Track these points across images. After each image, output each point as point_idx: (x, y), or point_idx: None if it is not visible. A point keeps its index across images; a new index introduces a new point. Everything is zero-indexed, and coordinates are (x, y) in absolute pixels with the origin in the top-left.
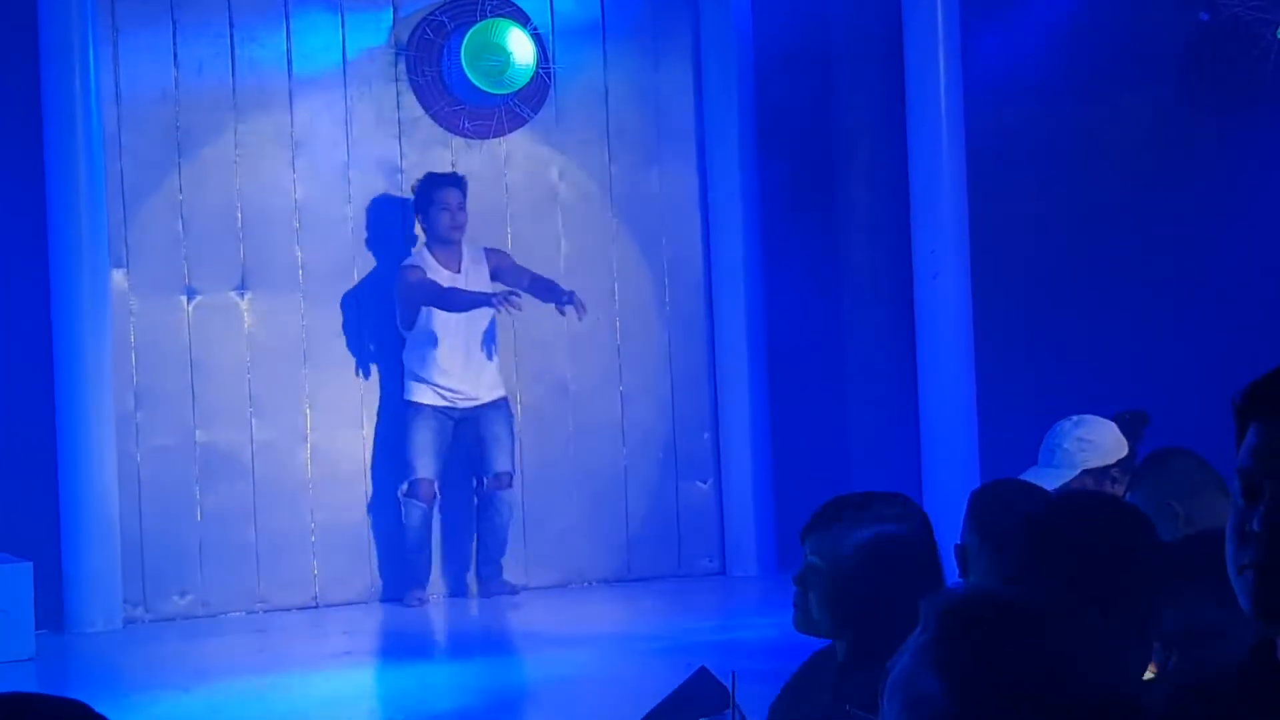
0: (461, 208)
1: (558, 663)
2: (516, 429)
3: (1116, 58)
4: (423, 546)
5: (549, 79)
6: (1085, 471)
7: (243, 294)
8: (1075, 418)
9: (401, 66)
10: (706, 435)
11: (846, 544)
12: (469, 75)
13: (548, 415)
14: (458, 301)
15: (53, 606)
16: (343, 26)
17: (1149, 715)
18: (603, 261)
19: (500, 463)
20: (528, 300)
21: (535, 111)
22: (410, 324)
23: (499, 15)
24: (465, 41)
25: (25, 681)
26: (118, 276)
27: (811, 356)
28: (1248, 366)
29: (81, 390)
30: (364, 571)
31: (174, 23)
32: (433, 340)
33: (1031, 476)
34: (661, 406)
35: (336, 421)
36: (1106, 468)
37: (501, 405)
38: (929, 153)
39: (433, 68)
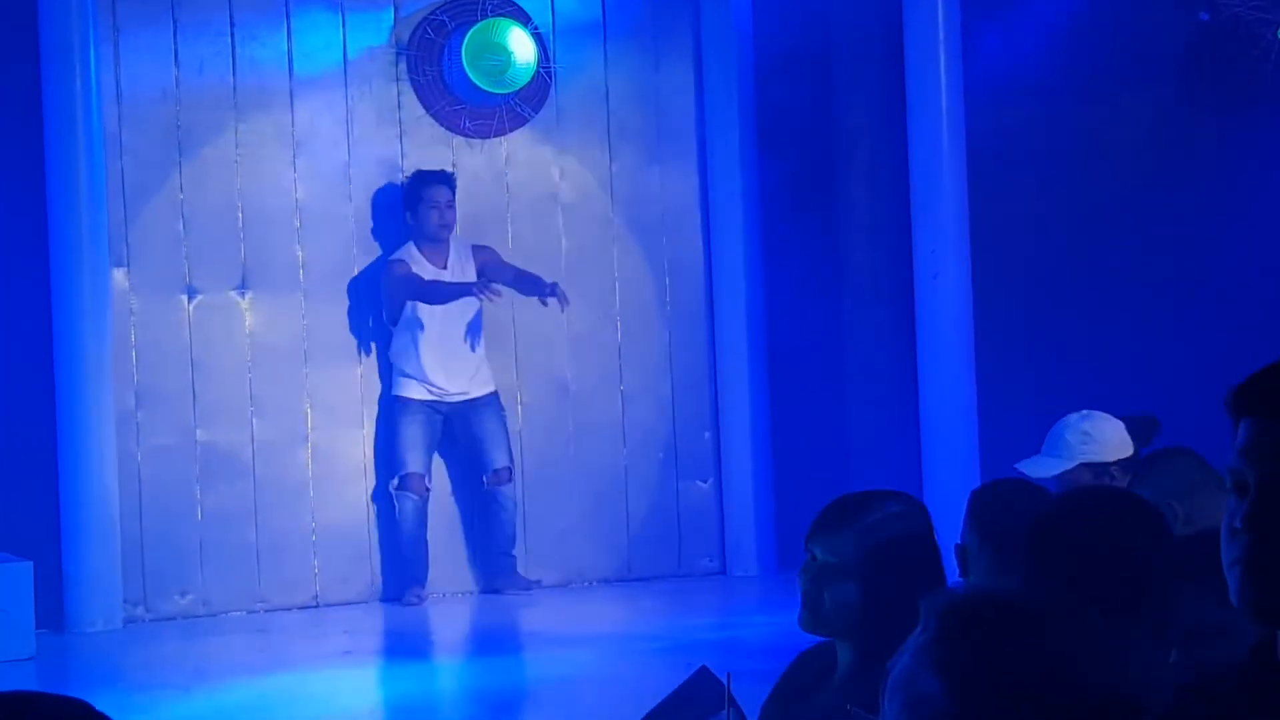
0: (450, 206)
1: (558, 663)
2: (514, 426)
3: (1117, 58)
4: (418, 542)
5: (550, 78)
6: (1083, 465)
7: (243, 293)
8: (1084, 412)
9: (402, 66)
10: (707, 435)
11: (864, 542)
12: (470, 75)
13: (548, 415)
14: (439, 293)
15: (53, 606)
16: (344, 26)
17: (1149, 715)
18: (603, 261)
19: (498, 459)
20: (526, 300)
21: (536, 111)
22: (395, 318)
23: (500, 15)
24: (466, 41)
25: (25, 681)
26: (118, 276)
27: (812, 356)
28: (1248, 366)
29: (82, 389)
30: (364, 571)
31: (175, 22)
32: (416, 335)
33: (1029, 465)
34: (662, 406)
35: (337, 421)
36: (1106, 464)
37: (491, 401)
38: (929, 153)
39: (434, 67)
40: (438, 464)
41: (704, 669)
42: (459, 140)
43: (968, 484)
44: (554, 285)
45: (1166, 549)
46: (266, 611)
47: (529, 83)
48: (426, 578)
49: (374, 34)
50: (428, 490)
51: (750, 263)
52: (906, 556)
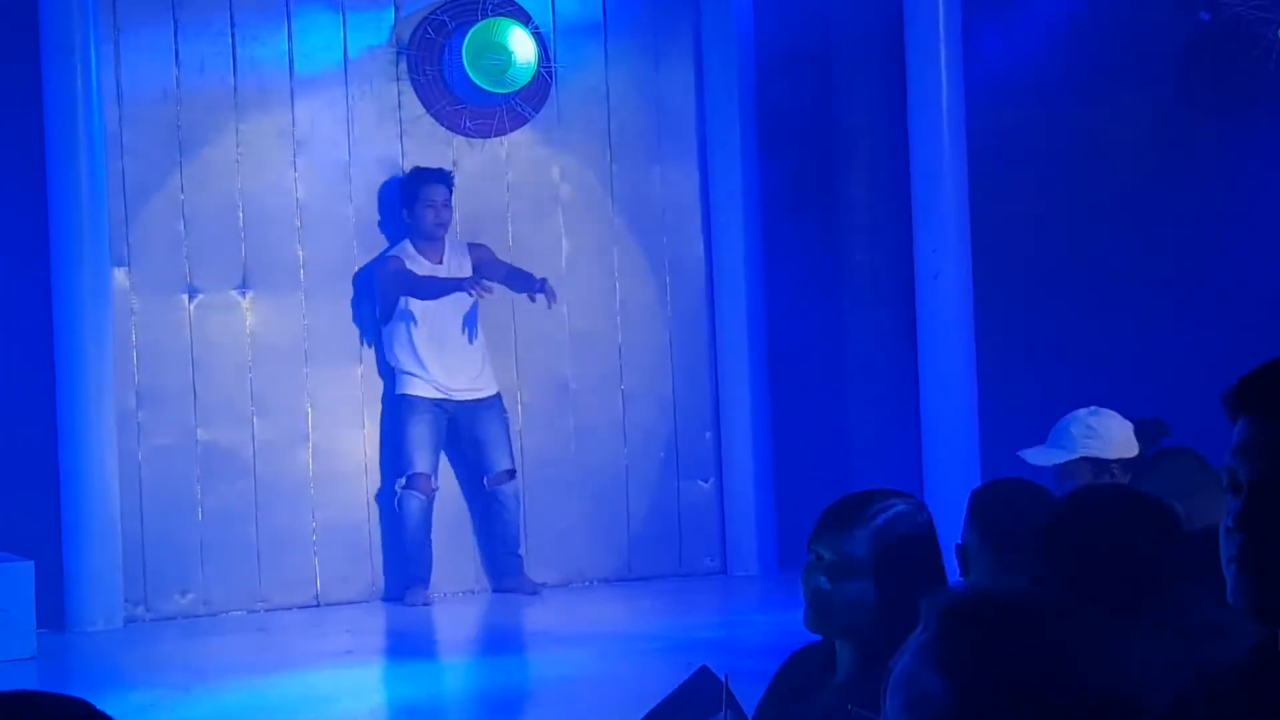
0: (447, 204)
1: (558, 662)
2: (515, 426)
3: (1117, 58)
4: (423, 542)
5: (550, 78)
6: (1084, 459)
7: (244, 293)
8: (1093, 408)
9: (403, 65)
10: (708, 435)
11: (876, 541)
12: (470, 74)
13: (549, 414)
14: (431, 289)
15: (54, 605)
16: (344, 25)
17: (1149, 714)
18: (604, 261)
19: (500, 463)
20: (524, 298)
21: (536, 110)
22: (387, 316)
23: (500, 14)
24: (467, 40)
25: (26, 680)
26: (119, 275)
27: (812, 356)
28: (1248, 366)
29: (83, 389)
30: (365, 571)
31: (175, 21)
32: (410, 331)
33: (1031, 453)
34: (662, 406)
35: (338, 420)
36: (1107, 461)
37: (494, 404)
38: (930, 153)
39: (434, 67)
40: (439, 463)
41: (704, 669)
42: (459, 140)
43: (968, 484)
44: (543, 281)
45: (1179, 548)
46: (267, 611)
47: (529, 82)
48: (430, 578)
49: (374, 33)
50: (434, 490)
51: (751, 263)
52: (915, 555)
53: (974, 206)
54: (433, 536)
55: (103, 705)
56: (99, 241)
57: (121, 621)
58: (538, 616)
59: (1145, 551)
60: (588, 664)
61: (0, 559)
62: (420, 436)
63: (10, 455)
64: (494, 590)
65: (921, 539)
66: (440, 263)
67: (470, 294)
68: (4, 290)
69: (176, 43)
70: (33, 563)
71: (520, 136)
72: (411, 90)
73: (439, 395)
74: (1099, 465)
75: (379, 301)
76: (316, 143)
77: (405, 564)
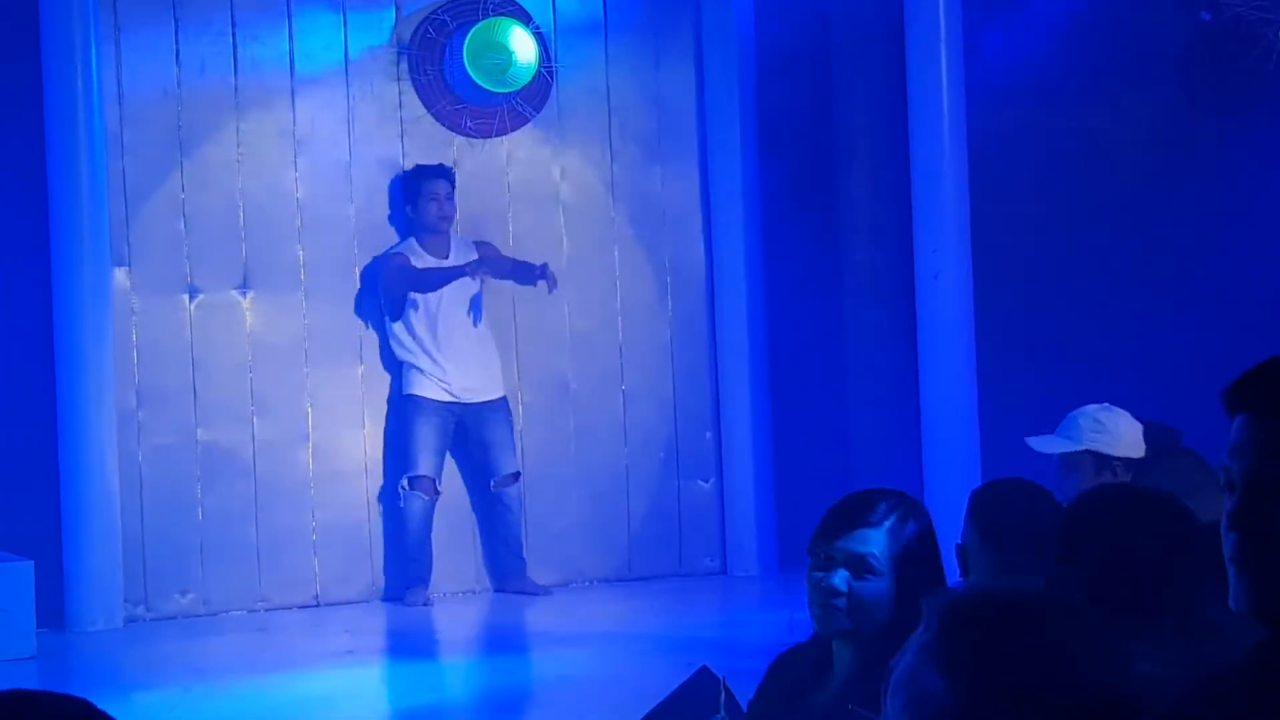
0: (449, 198)
1: (558, 662)
2: (516, 426)
3: (1117, 58)
4: (424, 542)
5: (551, 78)
6: (1088, 452)
7: (244, 293)
8: (1106, 404)
9: (403, 65)
10: (708, 435)
11: (892, 540)
12: (471, 74)
13: (549, 415)
14: (434, 279)
15: (54, 605)
16: (345, 25)
17: (1151, 713)
18: (604, 261)
19: (506, 466)
20: (526, 297)
21: (537, 110)
22: (395, 312)
23: (501, 14)
24: (467, 40)
25: (26, 680)
26: (119, 275)
27: (812, 356)
28: (1248, 366)
29: (83, 389)
30: (365, 571)
31: (176, 21)
32: (419, 328)
33: (1038, 441)
34: (663, 406)
35: (338, 420)
36: (1111, 457)
37: (501, 406)
38: (930, 152)
39: (435, 66)
40: (444, 465)
41: (704, 669)
42: (460, 139)
43: (968, 484)
44: (543, 266)
45: (1196, 547)
46: (267, 611)
47: (530, 82)
48: (430, 578)
49: (375, 33)
50: (438, 493)
51: (751, 263)
52: (924, 554)
53: (974, 206)
54: (433, 536)
55: (103, 705)
56: (99, 241)
57: (121, 621)
58: (538, 616)
59: (1162, 551)
60: (588, 664)
61: (0, 559)
62: (427, 439)
63: (10, 455)
64: (496, 591)
65: (928, 537)
66: (446, 258)
67: (473, 279)
68: (4, 290)
69: (177, 42)
70: (33, 562)
71: (521, 136)
72: (412, 90)
73: (448, 398)
74: (1102, 460)
75: (384, 297)
76: (317, 143)
77: (406, 564)
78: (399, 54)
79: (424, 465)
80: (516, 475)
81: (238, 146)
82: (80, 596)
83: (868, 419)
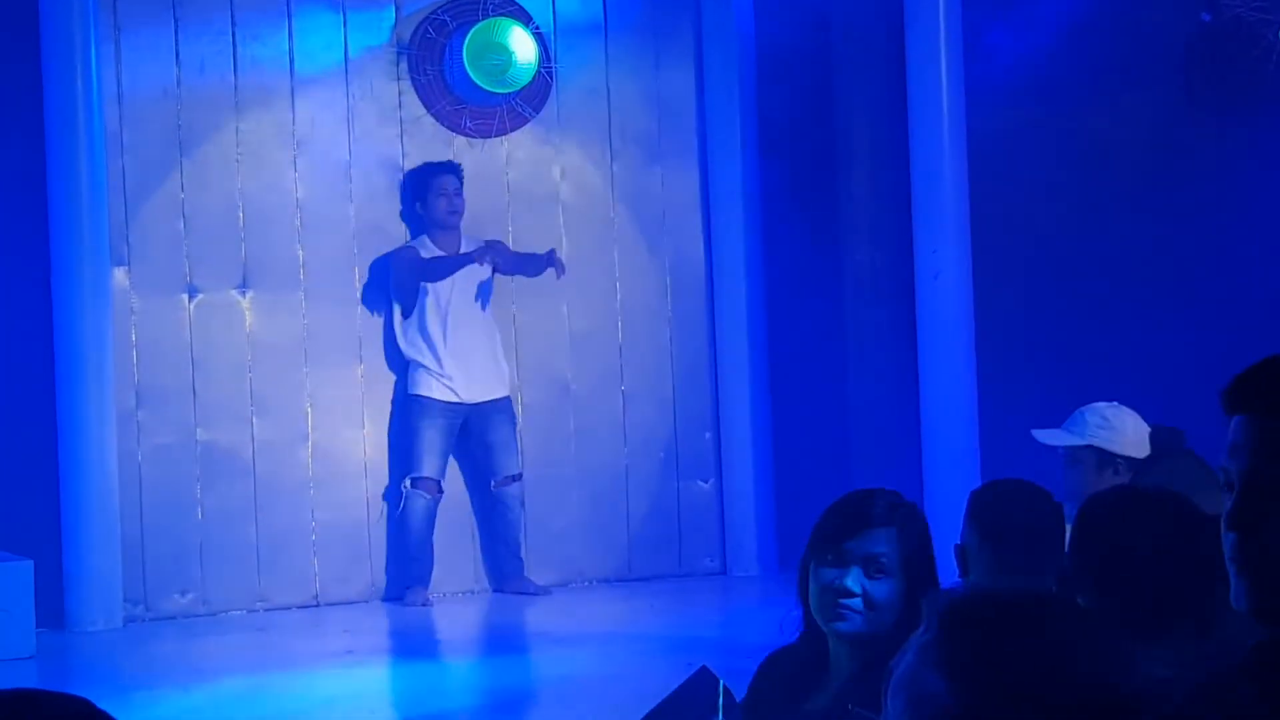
0: (458, 194)
1: (558, 662)
2: (517, 428)
3: (1117, 58)
4: (425, 542)
5: (551, 78)
6: (1092, 447)
7: (244, 293)
8: (1115, 402)
9: (403, 65)
10: (708, 435)
11: (904, 538)
12: (471, 74)
13: (549, 415)
14: (443, 268)
15: (53, 605)
16: (345, 25)
17: (1152, 713)
18: (604, 261)
19: (509, 466)
20: (524, 296)
21: (537, 111)
22: (407, 307)
23: (501, 14)
24: (467, 40)
25: (26, 680)
26: (119, 275)
27: (812, 356)
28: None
29: (83, 389)
30: (365, 571)
31: (175, 21)
32: (429, 325)
33: (1043, 434)
34: (663, 406)
35: (337, 420)
36: (1113, 455)
37: (505, 406)
38: (930, 153)
39: (434, 66)
40: (447, 466)
41: (704, 669)
42: (460, 140)
43: (968, 484)
44: (550, 253)
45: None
46: (266, 611)
47: (530, 82)
48: (430, 578)
49: (375, 33)
50: (440, 494)
51: (750, 262)
52: (926, 554)
53: (974, 206)
54: (435, 538)
55: (103, 705)
56: (99, 241)
57: (121, 621)
58: (538, 616)
59: (1175, 554)
60: (588, 664)
61: (0, 559)
62: (431, 440)
63: (10, 455)
64: (494, 591)
65: (927, 538)
66: (457, 253)
67: (481, 264)
68: (4, 290)
69: (177, 42)
70: (32, 562)
71: (521, 136)
72: (412, 90)
73: (453, 399)
74: (1105, 457)
75: (395, 292)
76: (316, 143)
77: (407, 564)
78: (399, 54)
79: (428, 467)
80: (518, 476)
81: (237, 146)
82: (80, 596)
83: (868, 419)
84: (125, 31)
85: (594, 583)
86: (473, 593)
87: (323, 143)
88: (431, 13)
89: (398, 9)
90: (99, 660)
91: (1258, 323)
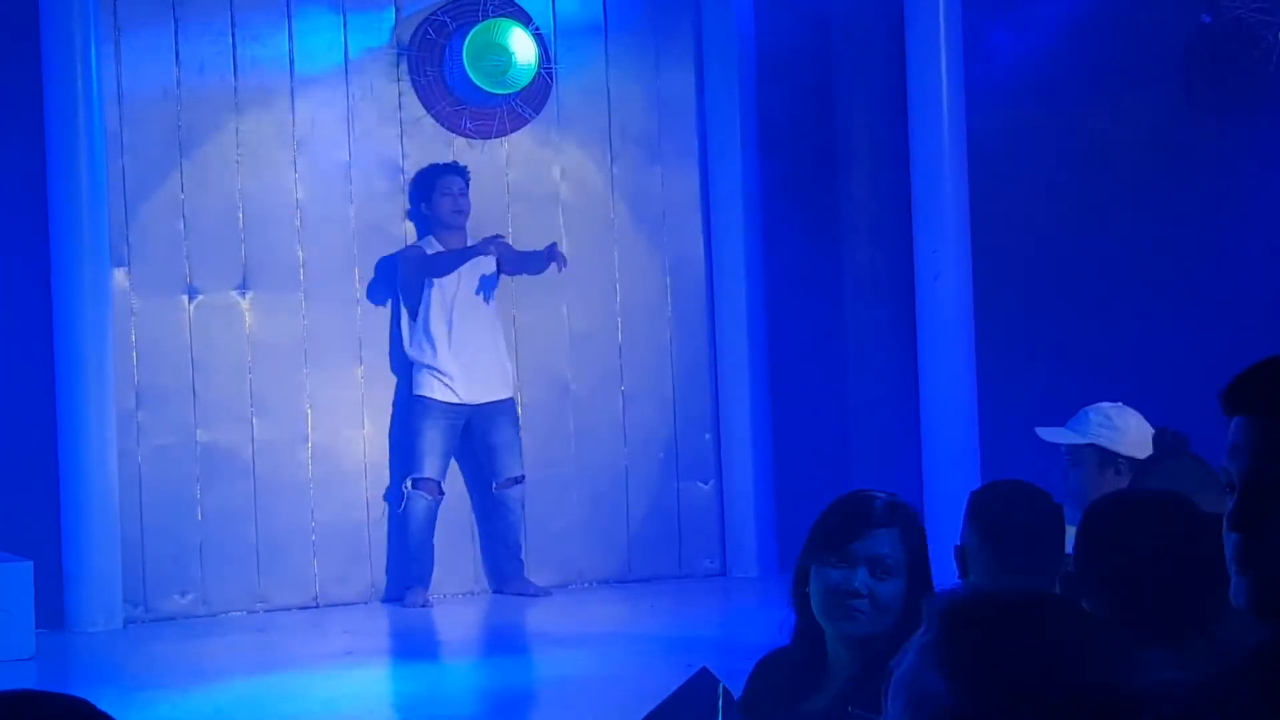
0: (464, 194)
1: (558, 663)
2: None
3: (1117, 58)
4: (425, 543)
5: (551, 79)
6: (1094, 446)
7: (244, 293)
8: (1119, 403)
9: (403, 66)
10: (707, 436)
11: (907, 539)
12: (471, 75)
13: (549, 415)
14: (448, 262)
15: (53, 605)
16: (344, 26)
17: (1152, 713)
18: (604, 261)
19: (511, 468)
20: (525, 296)
21: (537, 111)
22: (413, 306)
23: (501, 15)
24: (467, 41)
25: (26, 680)
26: (119, 275)
27: (812, 357)
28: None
29: (82, 389)
30: (365, 571)
31: (175, 21)
32: (434, 324)
33: (1046, 431)
34: (662, 407)
35: (337, 421)
36: (1115, 454)
37: (508, 407)
38: (930, 153)
39: (434, 67)
40: (448, 467)
41: (704, 670)
42: (460, 140)
43: (968, 484)
44: (551, 247)
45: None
46: (266, 611)
47: (530, 83)
48: (430, 579)
49: (375, 34)
50: (441, 495)
51: (750, 262)
52: (925, 555)
53: (974, 206)
54: (436, 539)
55: (103, 705)
56: (99, 241)
57: (121, 622)
58: (537, 617)
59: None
60: (588, 664)
61: (0, 559)
62: (433, 442)
63: (10, 455)
64: (494, 592)
65: (924, 539)
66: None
67: (487, 255)
68: (4, 290)
69: (177, 43)
70: (32, 563)
71: (521, 137)
72: (412, 91)
73: (456, 400)
74: (1106, 456)
75: (402, 291)
76: (316, 143)
77: (407, 564)
78: (399, 55)
79: (429, 468)
80: (521, 478)
81: (237, 147)
82: (80, 597)
83: (868, 419)
84: (125, 32)
85: (594, 584)
86: (473, 594)
87: (323, 143)
88: (431, 14)
89: (398, 10)
90: (99, 661)
91: (1258, 323)
